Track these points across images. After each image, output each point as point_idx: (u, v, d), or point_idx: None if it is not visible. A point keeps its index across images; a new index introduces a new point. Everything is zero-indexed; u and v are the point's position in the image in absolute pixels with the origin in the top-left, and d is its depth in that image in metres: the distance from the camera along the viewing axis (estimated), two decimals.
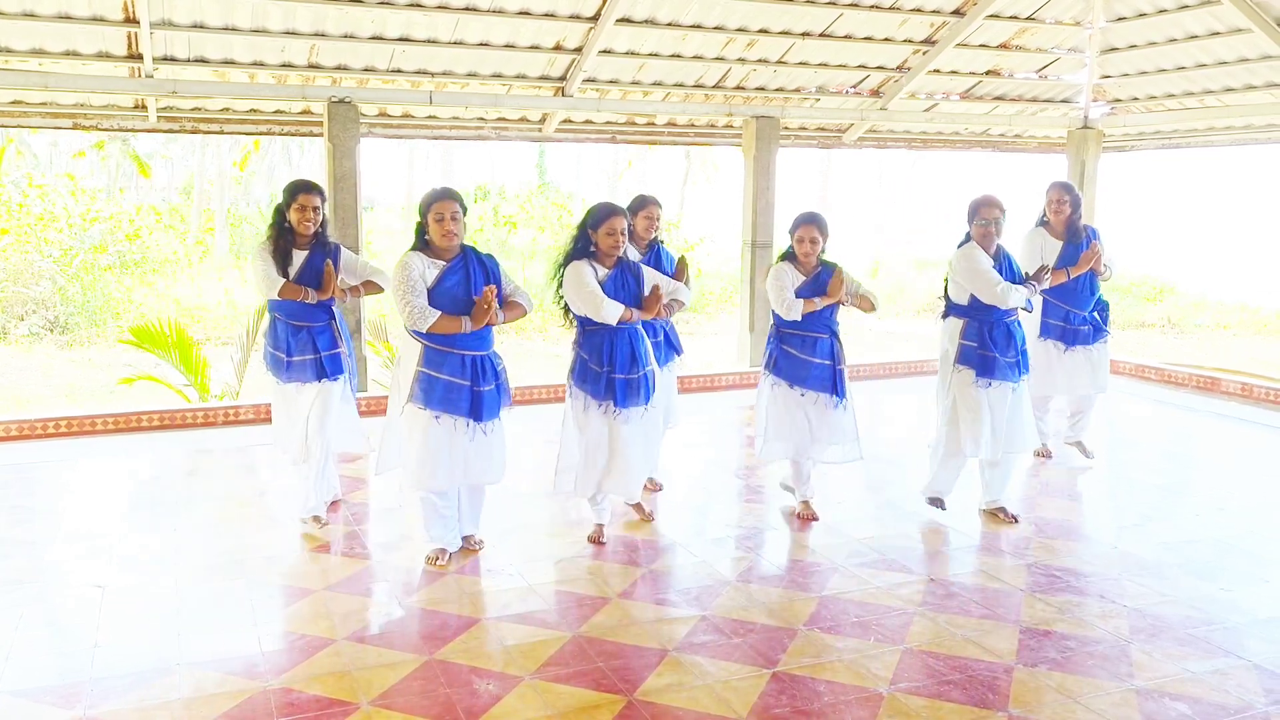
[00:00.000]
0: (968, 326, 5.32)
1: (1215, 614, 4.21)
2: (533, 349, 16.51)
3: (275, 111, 8.43)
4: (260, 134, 8.64)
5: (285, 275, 4.99)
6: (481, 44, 7.90)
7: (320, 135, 8.21)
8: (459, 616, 4.18)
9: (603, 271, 4.76)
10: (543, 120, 9.16)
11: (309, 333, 5.10)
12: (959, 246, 5.34)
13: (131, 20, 6.93)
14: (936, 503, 5.47)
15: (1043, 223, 6.30)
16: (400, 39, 7.64)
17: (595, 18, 7.79)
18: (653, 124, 9.69)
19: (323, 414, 5.13)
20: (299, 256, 5.04)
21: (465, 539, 4.95)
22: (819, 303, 5.19)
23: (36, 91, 7.47)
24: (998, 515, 5.44)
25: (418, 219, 4.52)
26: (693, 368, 9.96)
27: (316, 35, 7.42)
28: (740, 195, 9.56)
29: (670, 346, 5.84)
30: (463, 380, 4.49)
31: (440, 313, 4.40)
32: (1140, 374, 9.46)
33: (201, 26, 7.13)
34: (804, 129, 10.12)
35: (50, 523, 5.35)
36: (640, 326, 4.93)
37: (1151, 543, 5.09)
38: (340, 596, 4.39)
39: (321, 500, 5.22)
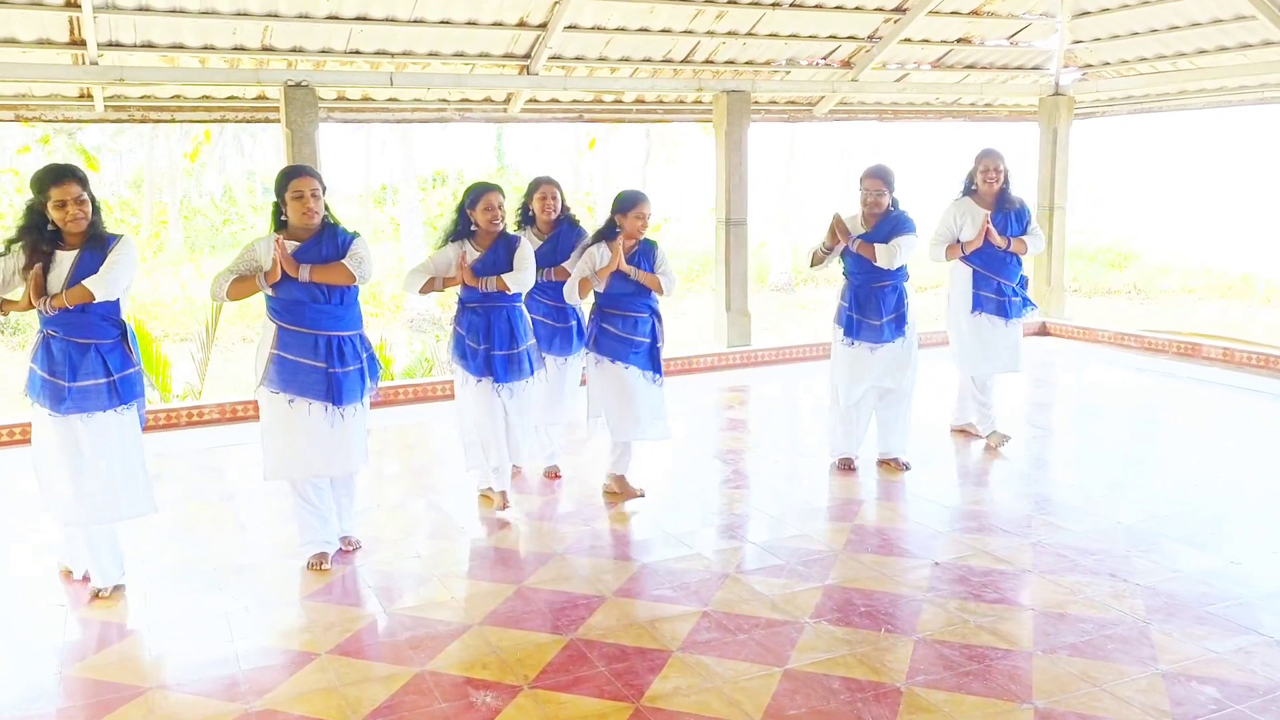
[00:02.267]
0: (845, 289, 5.76)
1: (1227, 589, 4.10)
2: None
3: (229, 98, 8.08)
4: (214, 121, 8.29)
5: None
6: (442, 21, 7.60)
7: (277, 121, 7.88)
8: (447, 623, 3.97)
9: (474, 254, 4.91)
10: (508, 100, 8.88)
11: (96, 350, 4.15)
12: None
13: (73, 4, 6.56)
14: (846, 464, 5.83)
15: (970, 191, 6.10)
16: (357, 18, 7.33)
17: None
18: (620, 101, 9.44)
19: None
20: (66, 259, 4.08)
21: (343, 539, 4.70)
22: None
23: None
24: (890, 465, 5.83)
25: (274, 199, 4.45)
26: (669, 350, 9.75)
27: (269, 16, 7.09)
28: (703, 173, 9.38)
29: (581, 338, 5.58)
30: (316, 362, 4.35)
31: (233, 277, 4.37)
32: (1119, 341, 9.40)
33: (147, 9, 6.77)
34: (774, 103, 9.92)
35: (2, 537, 5.06)
36: (521, 304, 5.06)
37: (1151, 516, 4.98)
38: (320, 606, 4.16)
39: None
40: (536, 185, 5.65)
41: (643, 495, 5.40)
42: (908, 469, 5.78)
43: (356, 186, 30.89)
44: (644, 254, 5.26)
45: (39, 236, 4.04)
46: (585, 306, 5.53)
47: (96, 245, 4.09)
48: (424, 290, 4.99)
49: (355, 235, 4.48)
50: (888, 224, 5.56)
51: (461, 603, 4.17)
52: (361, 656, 3.70)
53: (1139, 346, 9.23)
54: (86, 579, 4.35)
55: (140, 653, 3.80)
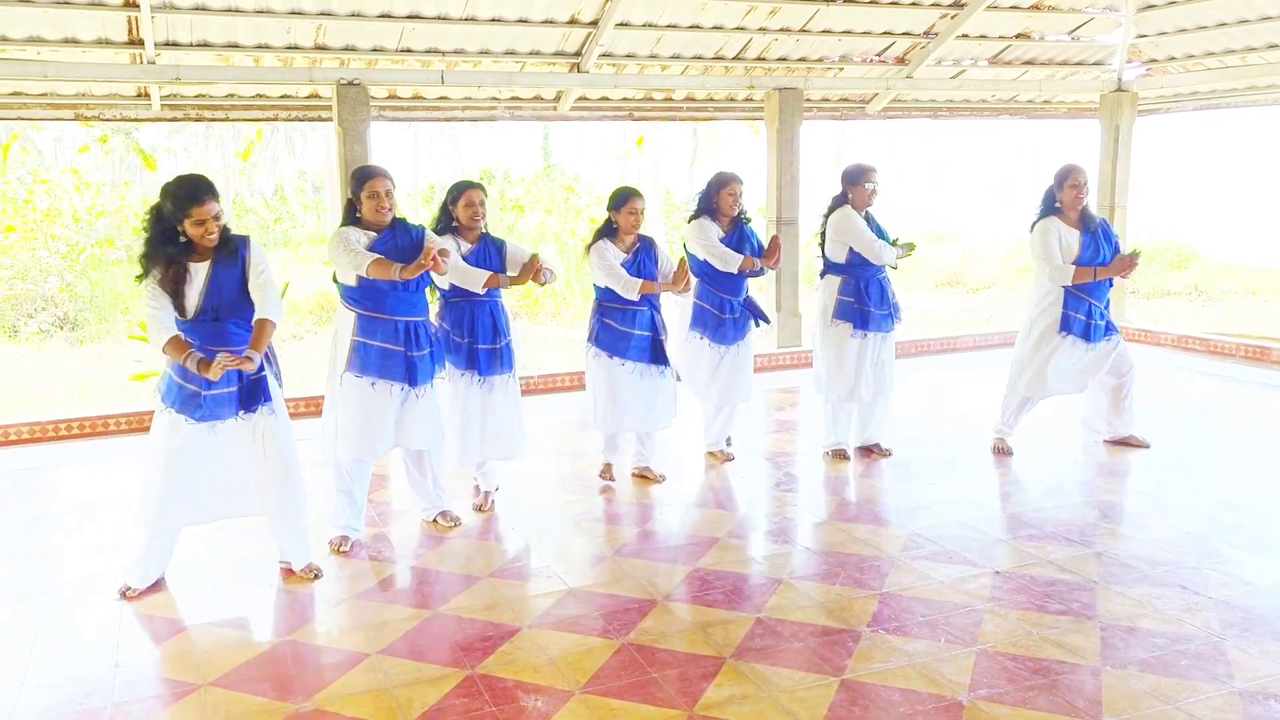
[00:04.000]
0: (845, 283, 5.81)
1: None
2: (547, 334, 16.24)
3: (282, 96, 8.14)
4: (267, 119, 8.36)
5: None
6: (494, 20, 7.60)
7: (329, 120, 7.94)
8: (497, 625, 3.93)
9: (465, 246, 4.97)
10: (558, 98, 8.86)
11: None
12: (834, 210, 5.82)
13: (131, 4, 6.66)
14: (840, 454, 6.04)
15: (1054, 209, 5.82)
16: (409, 16, 7.35)
17: None
18: (671, 99, 9.37)
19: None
20: (199, 272, 4.08)
21: (440, 514, 5.08)
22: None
23: (36, 82, 7.21)
24: (873, 451, 6.09)
25: (348, 196, 4.73)
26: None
27: (322, 15, 7.13)
28: (748, 172, 9.23)
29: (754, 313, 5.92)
30: (396, 346, 4.57)
31: (377, 254, 4.42)
32: (1183, 344, 9.15)
33: (203, 9, 6.84)
34: (826, 100, 9.79)
35: (67, 531, 5.12)
36: (501, 299, 5.12)
37: (1223, 526, 4.81)
38: (371, 605, 4.15)
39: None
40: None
41: (614, 485, 5.65)
42: (889, 454, 6.07)
43: (405, 184, 31.16)
44: (645, 251, 5.43)
45: (176, 253, 4.00)
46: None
47: (227, 254, 4.06)
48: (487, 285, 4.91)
49: (423, 228, 4.71)
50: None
51: (510, 605, 4.13)
52: (411, 657, 3.68)
53: (1204, 350, 8.97)
54: (158, 586, 4.36)
55: (192, 650, 3.82)
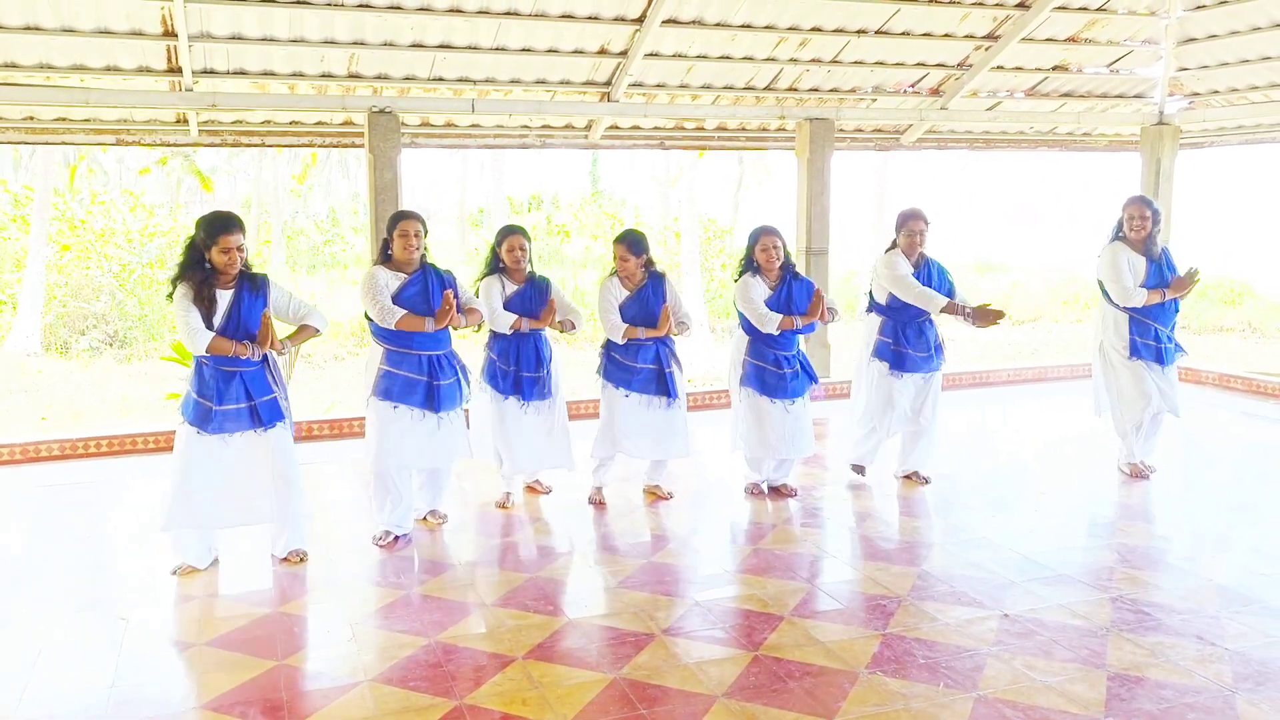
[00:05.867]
0: (885, 324, 6.00)
1: None
2: (586, 359, 16.25)
3: (316, 123, 8.29)
4: (301, 146, 8.51)
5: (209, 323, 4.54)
6: (524, 49, 7.67)
7: (361, 146, 8.06)
8: (494, 655, 3.90)
9: (511, 287, 5.52)
10: (588, 126, 8.91)
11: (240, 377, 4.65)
12: (885, 252, 6.00)
13: (170, 34, 6.83)
14: (858, 469, 6.27)
15: (1119, 236, 6.08)
16: (441, 46, 7.45)
17: (641, 19, 7.53)
18: (702, 128, 9.38)
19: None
20: (223, 297, 4.58)
21: (430, 513, 5.51)
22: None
23: (79, 108, 7.42)
24: (911, 479, 6.19)
25: (384, 236, 5.13)
26: None
27: (356, 44, 7.26)
28: (790, 198, 9.20)
29: (807, 375, 5.88)
30: (420, 376, 5.07)
31: (404, 311, 4.97)
32: (1224, 384, 8.90)
33: (240, 38, 7.00)
34: (860, 131, 9.74)
35: (107, 540, 5.21)
36: (546, 332, 5.58)
37: (1249, 574, 4.64)
38: (369, 632, 4.16)
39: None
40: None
41: (602, 505, 5.81)
42: (928, 483, 6.15)
43: (452, 208, 31.51)
44: (654, 288, 5.64)
45: (205, 277, 4.53)
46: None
47: (250, 284, 4.62)
48: (512, 328, 5.51)
49: (450, 273, 5.20)
50: (930, 267, 5.95)
51: (508, 633, 4.10)
52: (402, 686, 3.66)
53: (1246, 390, 8.72)
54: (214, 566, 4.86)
55: (356, 649, 3.96)
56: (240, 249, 4.54)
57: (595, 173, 34.56)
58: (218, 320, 4.53)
